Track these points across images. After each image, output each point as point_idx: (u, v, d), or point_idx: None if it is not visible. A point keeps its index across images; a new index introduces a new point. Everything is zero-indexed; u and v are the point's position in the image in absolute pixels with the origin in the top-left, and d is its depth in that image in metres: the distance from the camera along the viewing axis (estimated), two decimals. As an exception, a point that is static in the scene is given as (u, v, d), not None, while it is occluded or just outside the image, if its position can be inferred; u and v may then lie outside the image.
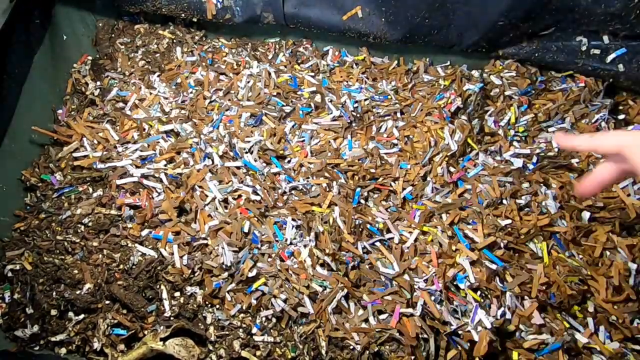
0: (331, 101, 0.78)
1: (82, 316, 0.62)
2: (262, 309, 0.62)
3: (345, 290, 0.62)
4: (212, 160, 0.70)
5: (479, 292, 0.62)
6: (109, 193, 0.68)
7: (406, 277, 0.64)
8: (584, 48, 0.75)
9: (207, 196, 0.67)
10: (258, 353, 0.61)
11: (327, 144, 0.74)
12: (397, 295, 0.62)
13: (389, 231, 0.67)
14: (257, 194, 0.68)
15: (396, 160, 0.72)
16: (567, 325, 0.62)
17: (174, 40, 0.84)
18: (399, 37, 0.78)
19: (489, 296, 0.62)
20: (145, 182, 0.68)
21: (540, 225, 0.66)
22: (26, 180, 0.72)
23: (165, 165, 0.69)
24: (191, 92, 0.78)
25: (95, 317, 0.62)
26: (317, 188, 0.69)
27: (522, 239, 0.66)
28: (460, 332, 0.59)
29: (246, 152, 0.72)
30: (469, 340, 0.59)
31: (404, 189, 0.70)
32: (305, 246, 0.64)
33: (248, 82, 0.79)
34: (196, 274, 0.63)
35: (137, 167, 0.69)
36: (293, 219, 0.66)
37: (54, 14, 0.81)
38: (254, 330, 0.61)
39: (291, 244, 0.65)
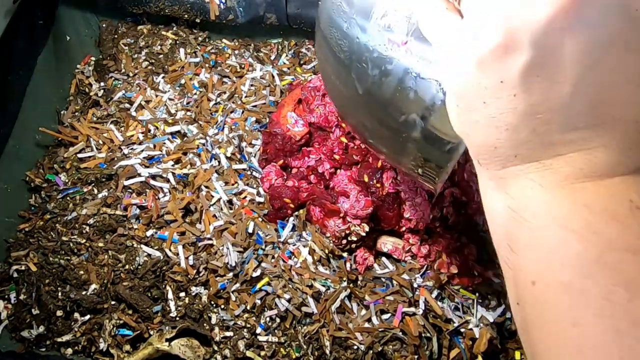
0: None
1: (87, 317, 0.63)
2: (266, 309, 0.63)
3: (349, 291, 0.62)
4: (219, 162, 0.71)
5: (477, 293, 0.63)
6: (115, 194, 0.68)
7: (405, 276, 0.64)
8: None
9: (212, 197, 0.68)
10: (262, 353, 0.61)
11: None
12: (398, 295, 0.63)
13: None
14: (261, 196, 0.69)
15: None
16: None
17: (177, 41, 0.84)
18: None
19: (488, 294, 0.63)
20: (152, 182, 0.68)
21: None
22: (30, 181, 0.73)
23: (172, 166, 0.70)
24: (195, 94, 0.78)
25: (101, 317, 0.63)
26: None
27: None
28: (462, 329, 0.60)
29: (252, 156, 0.73)
30: (471, 338, 0.59)
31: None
32: (304, 246, 0.65)
33: (252, 85, 0.79)
34: (201, 274, 0.63)
35: (145, 166, 0.70)
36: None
37: (57, 15, 0.81)
38: (259, 330, 0.62)
39: (288, 243, 0.65)
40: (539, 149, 0.26)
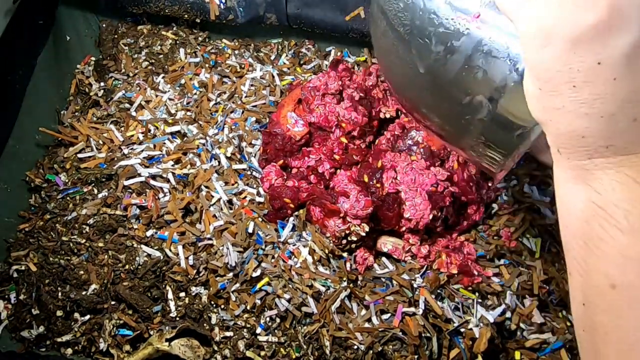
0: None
1: (87, 317, 0.63)
2: (266, 309, 0.63)
3: (349, 291, 0.62)
4: (219, 162, 0.71)
5: (477, 293, 0.63)
6: (115, 194, 0.68)
7: (405, 276, 0.64)
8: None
9: (212, 197, 0.68)
10: (262, 353, 0.61)
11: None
12: (398, 295, 0.63)
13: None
14: (261, 196, 0.69)
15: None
16: (569, 324, 0.62)
17: (177, 42, 0.84)
18: (401, 38, 0.79)
19: (488, 294, 0.63)
20: (152, 182, 0.68)
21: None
22: (30, 181, 0.73)
23: (172, 166, 0.70)
24: (195, 94, 0.78)
25: (101, 317, 0.63)
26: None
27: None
28: (462, 329, 0.60)
29: (253, 156, 0.73)
30: (471, 338, 0.59)
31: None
32: (304, 246, 0.65)
33: (252, 85, 0.79)
34: (201, 274, 0.64)
35: (145, 166, 0.70)
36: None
37: (57, 15, 0.81)
38: (259, 330, 0.62)
39: (288, 243, 0.65)
40: (638, 141, 0.23)
